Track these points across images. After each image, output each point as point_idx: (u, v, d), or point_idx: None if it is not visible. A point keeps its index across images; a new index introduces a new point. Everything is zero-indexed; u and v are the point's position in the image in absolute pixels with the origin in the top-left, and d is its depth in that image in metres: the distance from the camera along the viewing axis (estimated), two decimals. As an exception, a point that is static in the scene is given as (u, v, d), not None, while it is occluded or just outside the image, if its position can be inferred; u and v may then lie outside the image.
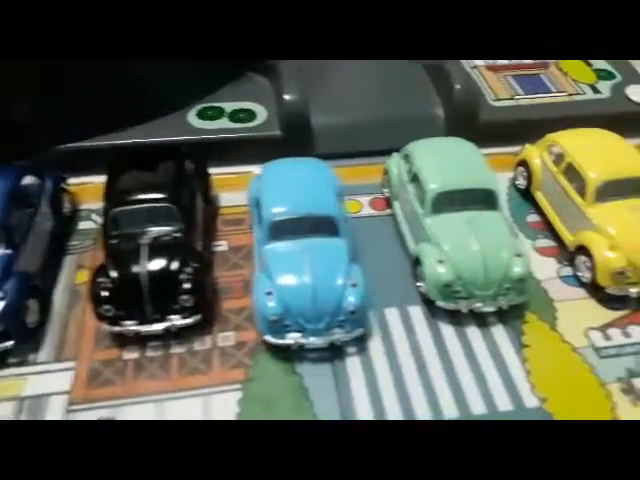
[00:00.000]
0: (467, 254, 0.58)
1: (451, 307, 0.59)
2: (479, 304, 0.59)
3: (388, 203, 0.73)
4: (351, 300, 0.55)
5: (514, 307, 0.61)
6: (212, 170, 0.75)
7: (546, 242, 0.69)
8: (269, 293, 0.54)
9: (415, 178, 0.65)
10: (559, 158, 0.69)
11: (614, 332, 0.60)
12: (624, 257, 0.60)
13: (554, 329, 0.61)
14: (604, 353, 0.58)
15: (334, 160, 0.78)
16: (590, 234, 0.63)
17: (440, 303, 0.59)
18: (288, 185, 0.61)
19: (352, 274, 0.56)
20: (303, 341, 0.55)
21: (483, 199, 0.62)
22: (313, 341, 0.55)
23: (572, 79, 0.89)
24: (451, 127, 0.81)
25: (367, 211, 0.74)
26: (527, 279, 0.59)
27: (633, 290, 0.61)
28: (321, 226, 0.58)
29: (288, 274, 0.55)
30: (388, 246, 0.68)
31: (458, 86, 0.81)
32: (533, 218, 0.72)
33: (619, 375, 0.56)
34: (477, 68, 0.90)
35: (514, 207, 0.74)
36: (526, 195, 0.74)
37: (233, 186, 0.75)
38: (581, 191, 0.65)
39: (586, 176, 0.65)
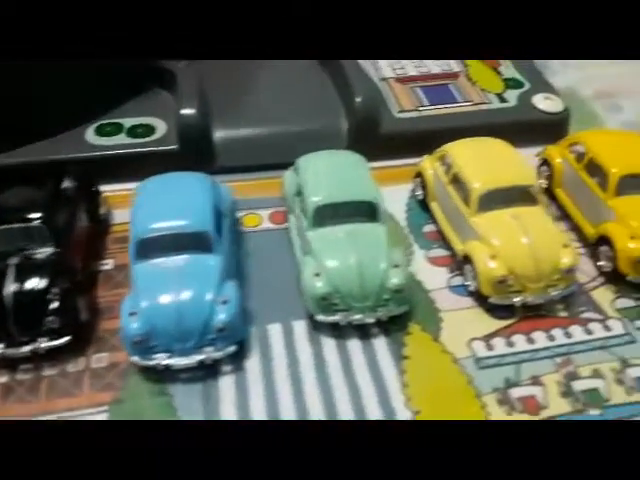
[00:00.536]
0: (343, 267, 0.57)
1: (330, 320, 0.58)
2: (358, 316, 0.59)
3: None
4: (221, 317, 0.54)
5: (398, 318, 0.61)
6: (108, 187, 0.74)
7: (439, 252, 0.69)
8: (132, 314, 0.53)
9: (300, 192, 0.65)
10: (449, 168, 0.70)
11: (498, 342, 0.60)
12: (505, 266, 0.60)
13: (437, 340, 0.60)
14: (484, 363, 0.58)
15: (236, 174, 0.79)
16: (474, 243, 0.63)
17: (319, 317, 0.58)
18: (162, 202, 0.60)
19: (224, 291, 0.56)
20: (169, 361, 0.54)
21: (364, 211, 0.61)
22: (180, 361, 0.54)
23: (480, 88, 0.90)
24: (353, 140, 0.81)
25: (266, 225, 0.73)
26: (405, 290, 0.58)
27: (516, 299, 0.61)
28: (193, 243, 0.57)
29: (153, 294, 0.54)
30: (283, 260, 0.67)
31: (359, 99, 0.80)
32: (430, 228, 0.72)
33: (496, 385, 0.55)
34: (386, 80, 0.91)
35: (412, 218, 0.74)
36: (424, 206, 0.75)
37: (127, 203, 0.75)
38: (466, 200, 0.65)
39: (470, 186, 0.65)
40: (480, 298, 0.62)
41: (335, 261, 0.57)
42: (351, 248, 0.58)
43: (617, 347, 0.59)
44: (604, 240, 0.65)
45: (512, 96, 0.88)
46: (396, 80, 0.91)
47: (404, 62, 0.94)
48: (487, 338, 0.60)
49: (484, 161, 0.67)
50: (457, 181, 0.67)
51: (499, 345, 0.59)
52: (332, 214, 0.61)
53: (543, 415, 0.53)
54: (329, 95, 0.86)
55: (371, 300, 0.57)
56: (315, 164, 0.66)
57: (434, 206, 0.72)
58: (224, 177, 0.76)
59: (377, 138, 0.81)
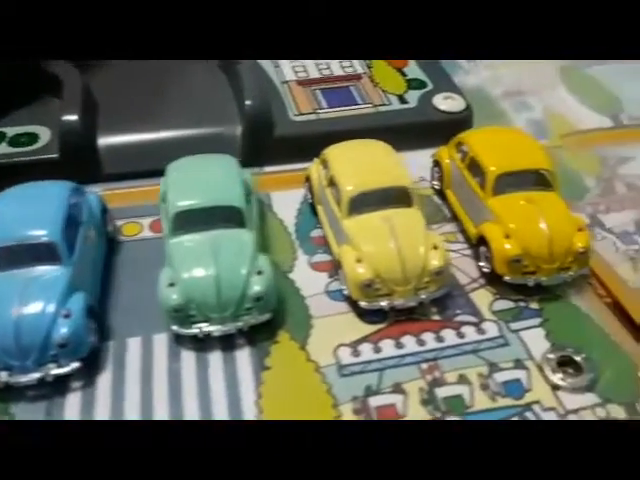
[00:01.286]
0: (199, 276, 0.55)
1: (186, 332, 0.56)
2: (216, 327, 0.56)
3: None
4: (63, 332, 0.51)
5: (267, 327, 0.59)
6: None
7: (323, 257, 0.67)
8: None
9: (165, 198, 0.63)
10: (327, 172, 0.68)
11: (365, 348, 0.58)
12: (372, 269, 0.58)
13: (303, 348, 0.58)
14: (348, 371, 0.55)
15: (122, 181, 0.76)
16: (344, 247, 0.61)
17: (174, 328, 0.56)
18: (13, 212, 0.57)
19: (69, 304, 0.53)
20: (7, 379, 0.51)
21: (228, 217, 0.59)
22: (22, 379, 0.51)
23: (382, 90, 0.89)
24: (247, 143, 0.80)
25: (146, 233, 0.70)
26: (267, 297, 0.56)
27: (384, 303, 0.59)
28: (39, 256, 0.54)
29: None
30: (156, 270, 0.63)
31: (249, 102, 0.79)
32: (318, 233, 0.70)
33: (356, 394, 0.53)
34: (287, 83, 0.89)
35: (301, 223, 0.72)
36: (315, 210, 0.73)
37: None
38: (339, 203, 0.63)
39: (341, 189, 0.62)
40: (354, 303, 0.61)
41: (191, 271, 0.55)
42: (210, 256, 0.56)
43: (488, 351, 0.57)
44: (483, 240, 0.64)
45: (413, 97, 0.87)
46: (297, 83, 0.89)
47: (307, 64, 0.93)
48: (355, 344, 0.58)
49: (358, 164, 0.65)
50: (333, 184, 0.65)
51: (366, 351, 0.57)
52: (194, 220, 0.58)
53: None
54: (226, 98, 0.85)
55: (231, 310, 0.55)
56: (182, 170, 0.63)
57: (319, 210, 0.70)
58: (109, 185, 0.75)
59: (271, 141, 0.80)
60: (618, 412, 0.52)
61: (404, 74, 0.92)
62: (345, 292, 0.60)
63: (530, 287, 0.61)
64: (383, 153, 0.66)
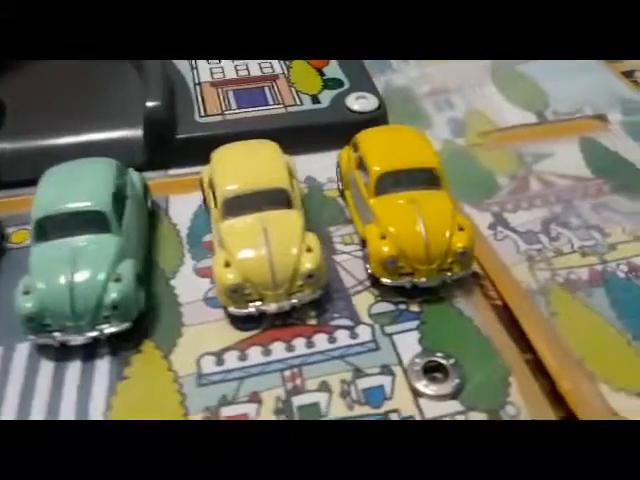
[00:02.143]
0: (53, 285, 0.53)
1: (41, 342, 0.54)
2: (72, 337, 0.54)
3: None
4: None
5: (134, 335, 0.57)
6: None
7: (209, 262, 0.66)
8: None
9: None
10: (209, 174, 0.66)
11: (231, 355, 0.55)
12: (239, 274, 0.56)
13: (166, 357, 0.56)
14: (206, 380, 0.53)
15: (19, 188, 0.75)
16: (217, 251, 0.60)
17: (31, 338, 0.54)
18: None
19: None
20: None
21: (94, 222, 0.57)
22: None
23: (297, 90, 0.87)
24: (148, 147, 0.78)
25: (36, 241, 0.70)
26: (125, 305, 0.54)
27: (252, 308, 0.57)
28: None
29: None
30: None
31: (149, 103, 0.78)
32: (209, 238, 0.68)
33: (209, 404, 0.51)
34: (200, 84, 0.88)
35: (195, 227, 0.70)
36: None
37: None
38: (217, 206, 0.62)
39: (218, 191, 0.60)
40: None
41: (45, 279, 0.53)
42: (67, 264, 0.54)
43: (357, 356, 0.55)
44: (365, 243, 0.62)
45: (327, 97, 0.85)
46: (211, 84, 0.88)
47: (226, 65, 0.92)
48: (221, 352, 0.56)
49: (239, 165, 0.63)
50: (212, 186, 0.64)
51: (231, 359, 0.55)
52: (57, 227, 0.57)
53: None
54: (133, 100, 0.84)
55: (86, 319, 0.53)
56: (53, 175, 0.62)
57: (211, 213, 0.69)
58: (6, 192, 0.75)
59: (173, 143, 0.78)
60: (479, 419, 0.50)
61: (322, 74, 0.91)
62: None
63: (410, 289, 0.58)
64: (267, 154, 0.64)
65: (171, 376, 0.54)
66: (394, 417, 0.49)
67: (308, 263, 0.57)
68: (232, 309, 0.57)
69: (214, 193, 0.62)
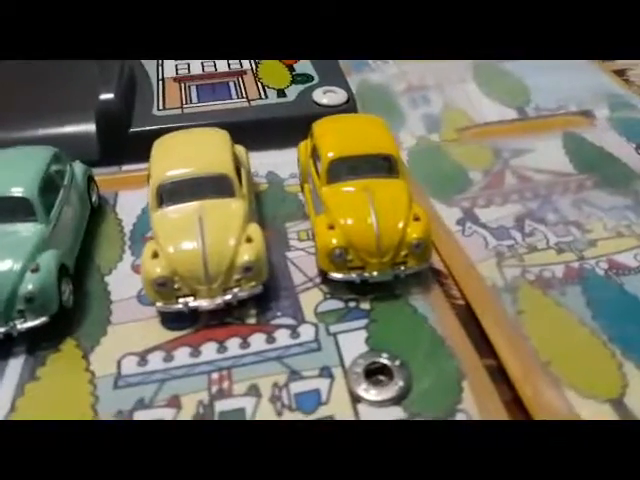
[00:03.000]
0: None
1: None
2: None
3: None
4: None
5: (55, 332, 0.52)
6: None
7: (149, 258, 0.62)
8: None
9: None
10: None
11: (156, 356, 0.50)
12: (168, 267, 0.50)
13: (85, 357, 0.50)
14: (124, 382, 0.48)
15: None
16: (147, 244, 0.55)
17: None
18: None
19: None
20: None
21: (18, 210, 0.52)
22: None
23: (263, 85, 0.83)
24: (102, 140, 0.74)
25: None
26: (40, 298, 0.49)
27: (180, 305, 0.51)
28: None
29: None
30: None
31: (102, 96, 0.74)
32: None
33: (123, 407, 0.45)
34: (163, 80, 0.84)
35: (141, 222, 0.65)
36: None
37: None
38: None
39: (151, 182, 0.55)
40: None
41: None
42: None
43: (295, 357, 0.49)
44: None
45: (294, 91, 0.81)
46: (174, 80, 0.84)
47: (193, 61, 0.89)
48: (146, 352, 0.50)
49: (177, 152, 0.58)
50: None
51: (155, 360, 0.49)
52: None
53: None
54: (91, 95, 0.80)
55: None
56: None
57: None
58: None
59: (126, 137, 0.74)
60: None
61: (293, 69, 0.87)
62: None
63: (361, 285, 0.53)
64: (212, 141, 0.59)
65: (87, 377, 0.48)
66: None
67: (246, 254, 0.51)
68: (160, 305, 0.51)
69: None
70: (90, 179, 0.67)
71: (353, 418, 0.44)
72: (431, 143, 0.78)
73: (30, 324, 0.49)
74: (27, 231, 0.53)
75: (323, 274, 0.54)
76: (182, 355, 0.50)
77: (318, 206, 0.58)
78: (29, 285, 0.49)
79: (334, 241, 0.52)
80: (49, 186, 0.57)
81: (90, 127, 0.76)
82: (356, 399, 0.45)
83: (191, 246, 0.51)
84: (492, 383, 0.46)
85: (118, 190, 0.71)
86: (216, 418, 0.44)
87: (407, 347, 0.49)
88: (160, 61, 0.88)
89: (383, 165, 0.57)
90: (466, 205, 0.67)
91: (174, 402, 0.46)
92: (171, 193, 0.55)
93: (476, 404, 0.45)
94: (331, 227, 0.53)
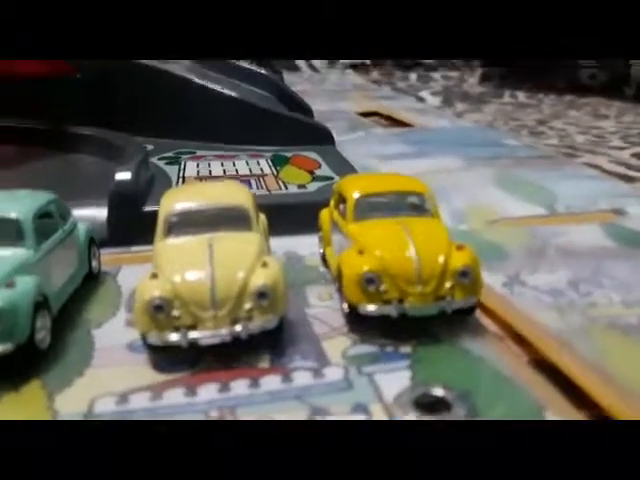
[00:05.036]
0: None
1: None
2: None
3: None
4: None
5: (15, 372, 0.42)
6: None
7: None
8: None
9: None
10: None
11: (140, 396, 0.38)
12: (168, 286, 0.42)
13: (50, 397, 0.39)
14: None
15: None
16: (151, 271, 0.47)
17: None
18: None
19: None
20: None
21: (7, 233, 0.47)
22: None
23: (283, 182, 0.82)
24: (114, 220, 0.68)
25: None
26: (6, 318, 0.40)
27: (175, 337, 0.41)
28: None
29: None
30: None
31: (119, 176, 0.70)
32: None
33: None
34: (184, 178, 0.84)
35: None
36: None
37: None
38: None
39: (163, 208, 0.51)
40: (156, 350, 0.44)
41: None
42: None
43: (319, 396, 0.38)
44: (340, 274, 0.48)
45: (314, 186, 0.80)
46: (195, 178, 0.84)
47: (214, 164, 0.89)
48: (128, 393, 0.39)
49: (193, 188, 0.55)
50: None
51: (138, 400, 0.38)
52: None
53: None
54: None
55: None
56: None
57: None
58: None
59: (139, 216, 0.69)
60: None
61: (313, 173, 0.87)
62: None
63: (398, 323, 0.43)
64: (231, 183, 0.56)
65: (47, 416, 0.37)
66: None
67: (262, 278, 0.43)
68: (152, 337, 0.41)
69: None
70: (92, 242, 0.62)
71: (401, 454, 0.32)
72: (460, 231, 0.73)
73: (-11, 349, 0.40)
74: (12, 254, 0.46)
75: (352, 311, 0.45)
76: (174, 395, 0.39)
77: (345, 245, 0.51)
78: (-6, 299, 0.41)
79: (365, 266, 0.44)
80: (44, 221, 0.52)
81: (101, 210, 0.73)
82: (403, 432, 0.33)
83: (198, 267, 0.43)
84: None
85: (122, 264, 0.66)
86: (211, 456, 0.33)
87: (465, 383, 0.38)
88: (182, 165, 0.89)
89: (415, 204, 0.52)
90: (510, 272, 0.59)
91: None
92: (180, 224, 0.49)
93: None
94: (360, 252, 0.46)
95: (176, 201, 0.50)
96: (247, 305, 0.43)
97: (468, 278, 0.44)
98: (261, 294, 0.43)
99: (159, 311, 0.42)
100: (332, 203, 0.61)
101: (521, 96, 2.06)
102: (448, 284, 0.44)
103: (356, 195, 0.52)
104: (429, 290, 0.44)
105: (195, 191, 0.53)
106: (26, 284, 0.43)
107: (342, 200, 0.55)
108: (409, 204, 0.52)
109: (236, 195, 0.52)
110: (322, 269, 0.63)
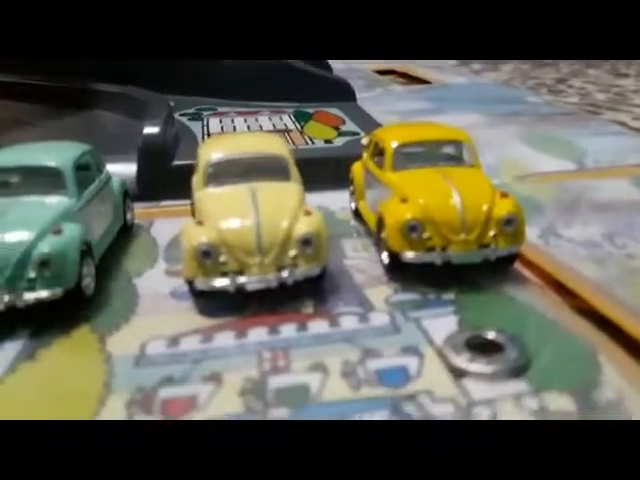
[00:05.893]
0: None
1: None
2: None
3: None
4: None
5: (65, 317, 0.42)
6: None
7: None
8: None
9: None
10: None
11: (191, 339, 0.39)
12: (215, 233, 0.43)
13: (101, 341, 0.39)
14: (148, 361, 0.37)
15: None
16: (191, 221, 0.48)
17: None
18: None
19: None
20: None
21: (48, 182, 0.47)
22: None
23: (310, 137, 0.81)
24: (143, 175, 0.68)
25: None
26: (56, 263, 0.40)
27: (223, 282, 0.42)
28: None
29: None
30: None
31: (147, 130, 0.69)
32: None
33: (144, 385, 0.35)
34: (209, 135, 0.83)
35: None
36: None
37: None
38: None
39: (204, 157, 0.51)
40: (200, 298, 0.44)
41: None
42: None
43: (367, 339, 0.38)
44: (382, 223, 0.48)
45: (341, 141, 0.79)
46: (219, 134, 0.84)
47: (237, 120, 0.89)
48: (178, 336, 0.39)
49: (227, 139, 0.55)
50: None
51: (189, 342, 0.39)
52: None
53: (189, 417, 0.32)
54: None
55: (4, 275, 0.40)
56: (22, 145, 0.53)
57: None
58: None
59: (168, 170, 0.68)
60: (561, 404, 0.32)
61: (338, 129, 0.86)
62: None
63: (441, 271, 0.43)
64: (267, 134, 0.56)
65: (101, 357, 0.38)
66: (424, 400, 0.32)
67: (305, 226, 0.43)
68: (200, 282, 0.42)
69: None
70: (126, 194, 0.62)
71: (455, 394, 0.32)
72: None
73: (40, 294, 0.40)
74: (56, 201, 0.46)
75: (394, 260, 0.45)
76: (224, 338, 0.40)
77: (384, 195, 0.50)
78: (46, 247, 0.41)
79: (408, 214, 0.44)
80: (82, 171, 0.51)
81: (128, 166, 0.73)
82: (458, 373, 0.34)
83: (243, 214, 0.43)
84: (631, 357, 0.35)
85: (154, 219, 0.66)
86: (270, 395, 0.33)
87: (513, 327, 0.39)
88: (205, 121, 0.89)
89: (454, 153, 0.52)
90: (544, 225, 0.59)
91: (212, 378, 0.35)
92: (221, 172, 0.49)
93: (621, 376, 0.34)
94: (403, 200, 0.46)
95: (216, 150, 0.50)
96: (292, 252, 0.43)
97: (512, 226, 0.44)
98: (305, 241, 0.43)
99: (206, 257, 0.42)
100: (366, 155, 0.60)
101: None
102: (492, 232, 0.44)
103: (395, 144, 0.51)
104: (472, 238, 0.44)
105: (234, 141, 0.53)
106: (72, 230, 0.44)
107: (378, 151, 0.55)
108: (449, 153, 0.51)
109: (275, 145, 0.51)
110: (353, 223, 0.63)
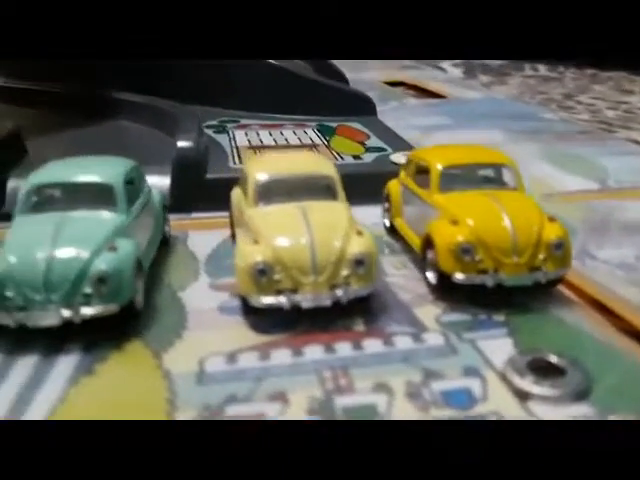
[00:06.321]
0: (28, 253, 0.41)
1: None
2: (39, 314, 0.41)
3: None
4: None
5: (117, 332, 0.42)
6: None
7: (230, 279, 0.53)
8: None
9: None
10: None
11: (248, 355, 0.39)
12: (270, 251, 0.43)
13: (157, 357, 0.40)
14: (210, 379, 0.37)
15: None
16: (244, 237, 0.48)
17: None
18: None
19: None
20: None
21: (99, 198, 0.47)
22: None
23: (338, 153, 0.82)
24: (176, 187, 0.68)
25: None
26: (113, 280, 0.40)
27: (283, 298, 0.42)
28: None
29: None
30: None
31: (181, 144, 0.70)
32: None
33: (210, 402, 0.35)
34: (237, 147, 0.83)
35: (218, 253, 0.57)
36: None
37: None
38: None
39: (252, 176, 0.52)
40: (250, 313, 0.45)
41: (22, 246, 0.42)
42: (48, 237, 0.42)
43: (427, 360, 0.39)
44: (429, 243, 0.48)
45: (369, 157, 0.80)
46: (248, 147, 0.83)
47: (263, 135, 0.89)
48: (235, 353, 0.40)
49: (275, 158, 0.56)
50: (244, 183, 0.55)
51: (247, 359, 0.39)
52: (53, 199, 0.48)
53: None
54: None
55: (62, 291, 0.40)
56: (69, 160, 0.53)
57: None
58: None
59: (201, 184, 0.69)
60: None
61: (364, 144, 0.87)
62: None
63: (490, 293, 0.44)
64: (313, 154, 0.56)
65: (159, 374, 0.38)
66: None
67: (358, 246, 0.44)
68: (254, 299, 0.42)
69: (246, 188, 0.52)
70: (165, 208, 0.62)
71: (524, 415, 0.33)
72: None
73: (96, 310, 0.41)
74: (108, 217, 0.47)
75: (443, 279, 0.46)
76: (281, 355, 0.40)
77: (430, 216, 0.51)
78: (103, 264, 0.41)
79: (460, 236, 0.45)
80: (130, 186, 0.52)
81: (162, 178, 0.73)
82: (523, 396, 0.34)
83: (297, 234, 0.44)
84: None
85: (188, 231, 0.66)
86: (339, 414, 0.34)
87: (570, 349, 0.39)
88: (230, 133, 0.89)
89: (497, 176, 0.53)
90: (577, 246, 0.60)
91: (278, 397, 0.35)
92: (271, 191, 0.49)
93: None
94: (454, 222, 0.47)
95: (265, 169, 0.51)
96: (344, 272, 0.44)
97: (561, 250, 0.45)
98: (358, 262, 0.44)
99: (262, 275, 0.42)
100: (403, 174, 0.61)
101: (542, 69, 2.05)
102: (541, 255, 0.45)
103: (441, 166, 0.52)
104: (523, 261, 0.44)
105: (282, 160, 0.54)
106: (127, 247, 0.44)
107: (420, 171, 0.56)
108: (492, 176, 0.52)
109: (323, 165, 0.52)
110: (386, 238, 0.64)
